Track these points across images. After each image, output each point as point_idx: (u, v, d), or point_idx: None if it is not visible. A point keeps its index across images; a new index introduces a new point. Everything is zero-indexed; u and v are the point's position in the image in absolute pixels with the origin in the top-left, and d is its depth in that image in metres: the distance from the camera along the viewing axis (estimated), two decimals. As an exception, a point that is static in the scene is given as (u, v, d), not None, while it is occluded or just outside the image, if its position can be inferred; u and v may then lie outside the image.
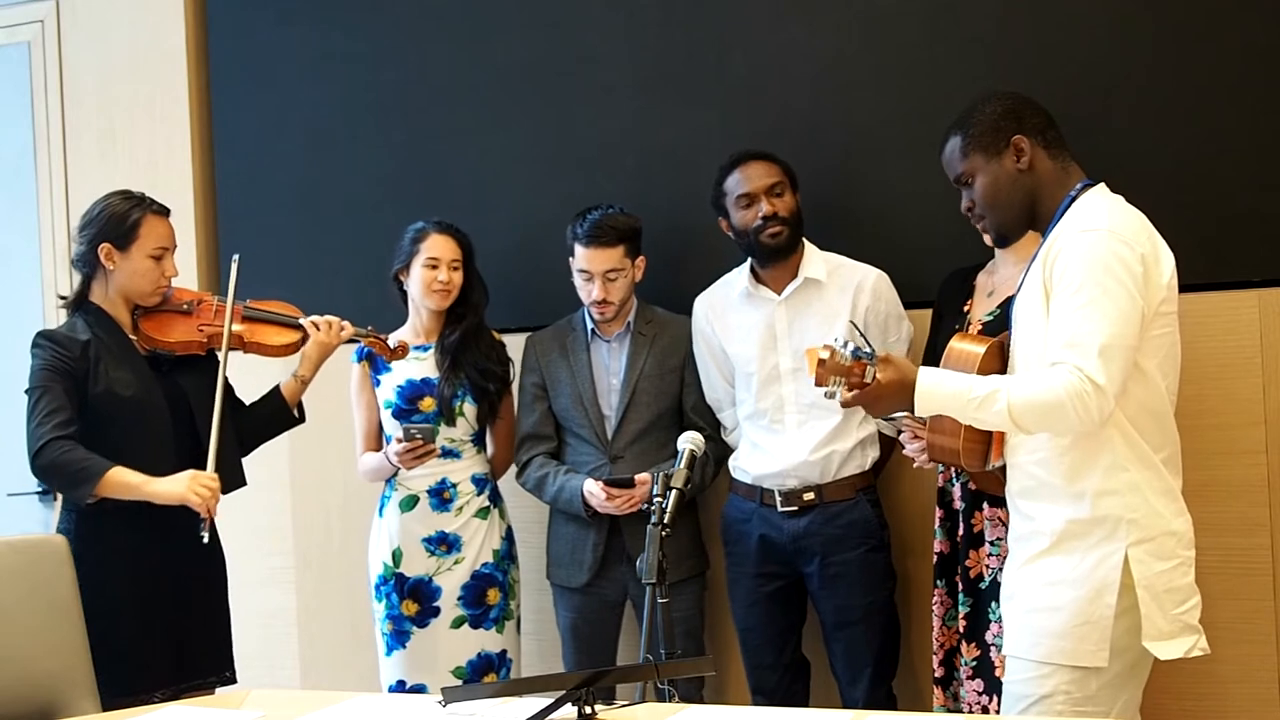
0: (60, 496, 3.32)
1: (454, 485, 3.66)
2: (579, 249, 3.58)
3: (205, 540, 3.14)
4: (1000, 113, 2.66)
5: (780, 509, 3.42)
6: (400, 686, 3.64)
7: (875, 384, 2.51)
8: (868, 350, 2.51)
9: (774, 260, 3.43)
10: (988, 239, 3.20)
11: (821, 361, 2.49)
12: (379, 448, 3.72)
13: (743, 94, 3.77)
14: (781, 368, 3.44)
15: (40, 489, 4.58)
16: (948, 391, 2.52)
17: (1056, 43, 3.44)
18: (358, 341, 3.59)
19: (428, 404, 3.65)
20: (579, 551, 3.61)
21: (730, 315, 3.53)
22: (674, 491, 2.65)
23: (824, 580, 3.41)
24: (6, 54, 4.74)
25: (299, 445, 4.12)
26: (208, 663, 3.30)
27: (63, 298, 3.36)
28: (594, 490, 3.50)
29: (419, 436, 3.52)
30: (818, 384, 2.51)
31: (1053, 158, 2.64)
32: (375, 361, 3.71)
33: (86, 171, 4.55)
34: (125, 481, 3.07)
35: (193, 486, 3.08)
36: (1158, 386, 2.57)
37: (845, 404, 2.56)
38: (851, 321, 2.54)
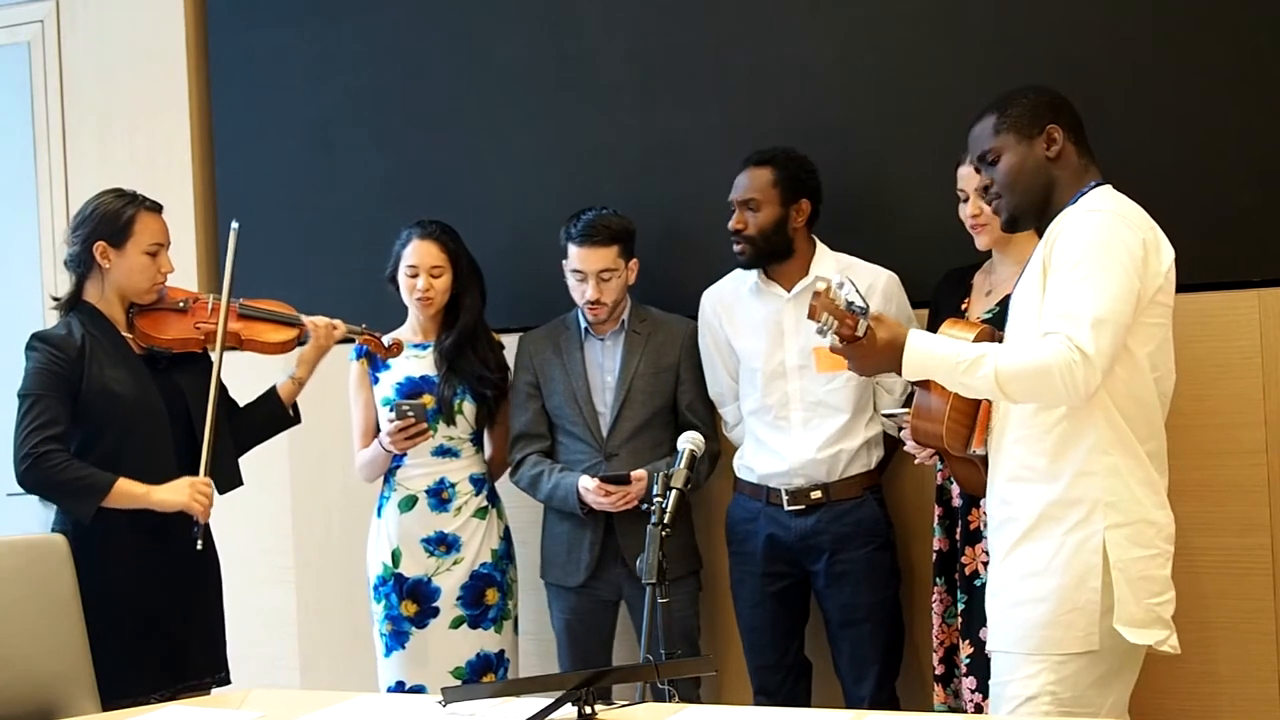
0: None
1: (453, 485, 3.66)
2: (572, 249, 3.58)
3: (200, 548, 3.18)
4: (1041, 101, 2.69)
5: (787, 508, 3.42)
6: (399, 687, 3.63)
7: (868, 338, 2.54)
8: (861, 305, 2.53)
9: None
10: (980, 244, 3.21)
11: (817, 294, 2.51)
12: (376, 446, 3.72)
13: (743, 94, 3.77)
14: (787, 364, 3.44)
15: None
16: (936, 355, 2.55)
17: (1057, 43, 3.44)
18: (352, 340, 3.60)
19: (427, 401, 3.64)
20: (575, 551, 3.60)
21: (738, 309, 3.53)
22: (674, 491, 2.65)
23: (830, 578, 3.41)
24: (6, 54, 4.73)
25: (298, 445, 4.12)
26: (203, 664, 3.29)
27: (56, 299, 3.32)
28: (589, 486, 3.49)
29: (410, 414, 3.53)
30: (810, 317, 2.53)
31: (1079, 155, 2.68)
32: (374, 359, 3.71)
33: (86, 171, 4.54)
34: (129, 493, 3.11)
35: (193, 494, 3.15)
36: (1146, 376, 2.58)
37: (834, 351, 2.59)
38: (849, 279, 2.55)
